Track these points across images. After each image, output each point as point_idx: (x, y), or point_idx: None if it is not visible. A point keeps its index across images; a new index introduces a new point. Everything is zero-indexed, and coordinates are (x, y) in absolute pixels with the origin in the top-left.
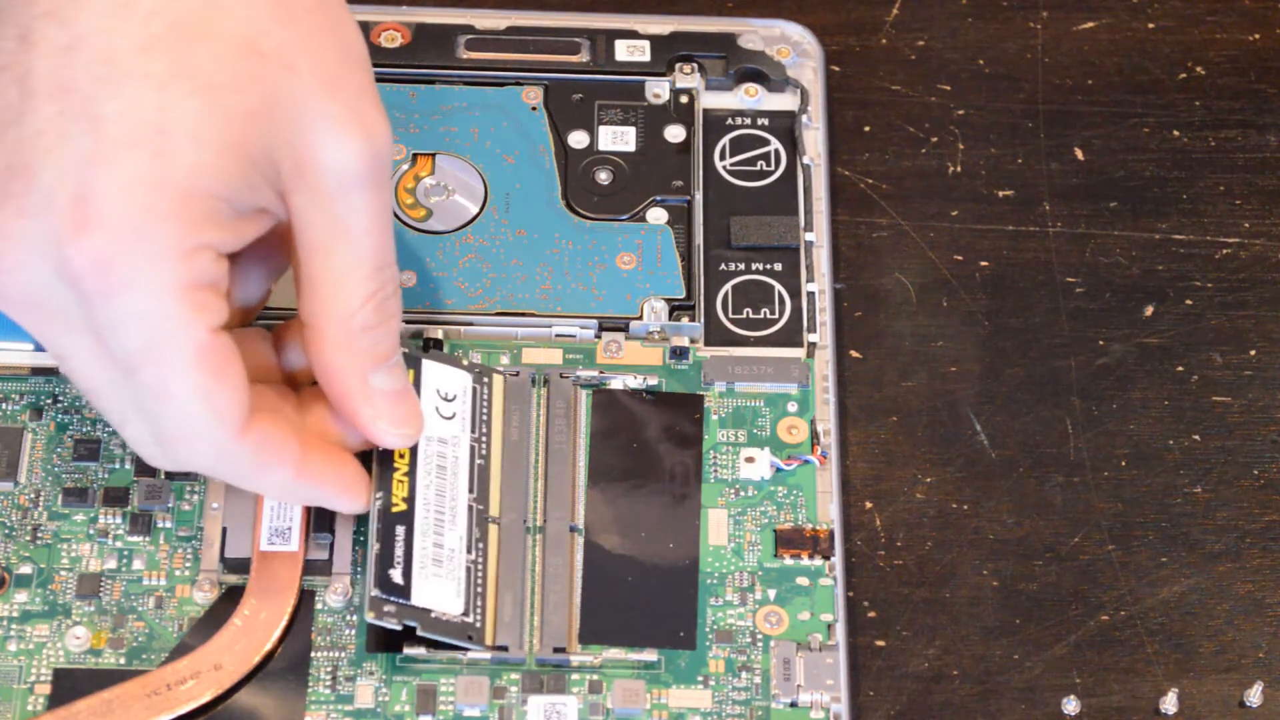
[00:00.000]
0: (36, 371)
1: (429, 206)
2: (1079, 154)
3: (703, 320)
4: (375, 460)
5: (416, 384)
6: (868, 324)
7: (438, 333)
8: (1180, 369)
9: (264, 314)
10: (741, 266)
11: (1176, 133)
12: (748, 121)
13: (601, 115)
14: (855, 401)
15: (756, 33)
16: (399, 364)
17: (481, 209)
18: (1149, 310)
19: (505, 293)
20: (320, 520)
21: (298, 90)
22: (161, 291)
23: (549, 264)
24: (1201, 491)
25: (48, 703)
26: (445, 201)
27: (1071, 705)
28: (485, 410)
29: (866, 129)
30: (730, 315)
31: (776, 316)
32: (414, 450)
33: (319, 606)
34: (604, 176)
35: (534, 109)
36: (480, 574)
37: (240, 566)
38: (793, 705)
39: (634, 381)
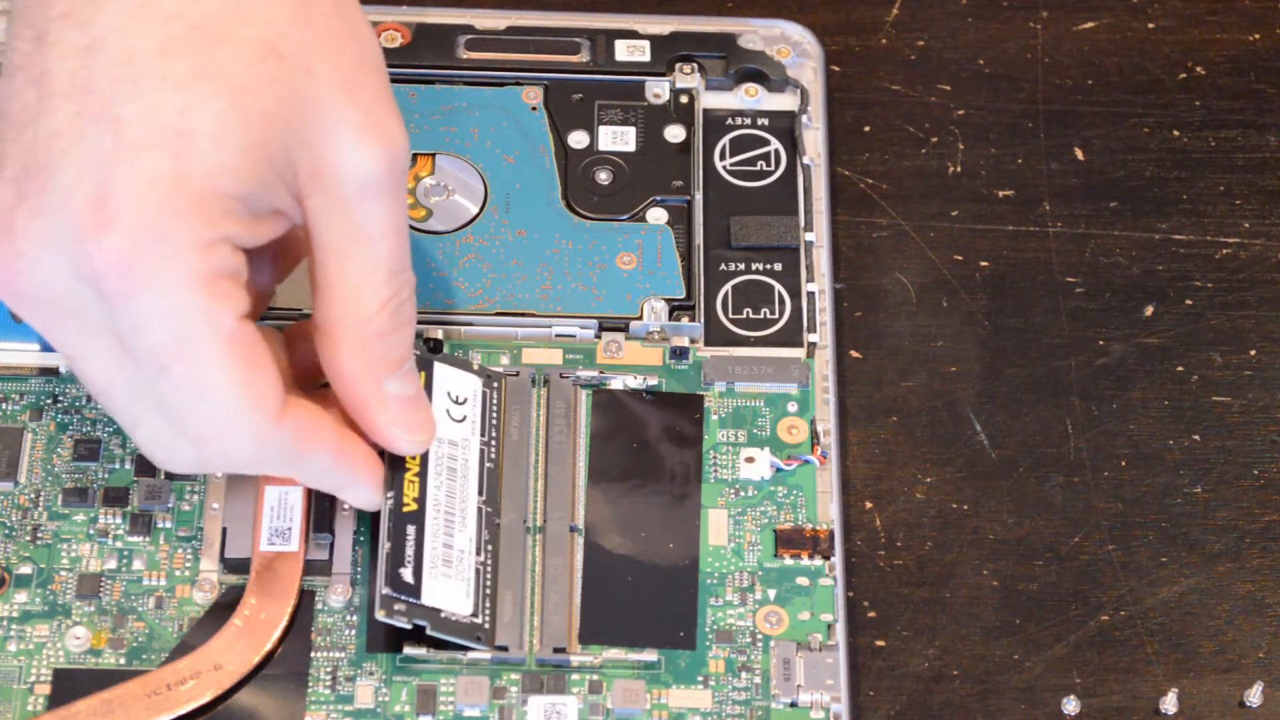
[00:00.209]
0: (38, 372)
1: (429, 206)
2: (1079, 154)
3: (703, 320)
4: (386, 461)
5: (428, 386)
6: (868, 324)
7: (438, 333)
8: (1180, 369)
9: (266, 314)
10: (741, 266)
11: (1176, 133)
12: (748, 121)
13: (601, 115)
14: (855, 401)
15: (756, 33)
16: (413, 370)
17: (481, 209)
18: (1149, 310)
19: (505, 293)
20: (320, 520)
21: (316, 94)
22: (184, 285)
23: (549, 264)
24: (1201, 491)
25: (48, 703)
26: (445, 201)
27: (1071, 705)
28: (495, 414)
29: (866, 129)
30: (730, 315)
31: (776, 316)
32: (425, 452)
33: (319, 606)
34: (604, 176)
35: (534, 109)
36: (489, 576)
37: (240, 566)
38: (793, 705)
39: (634, 382)
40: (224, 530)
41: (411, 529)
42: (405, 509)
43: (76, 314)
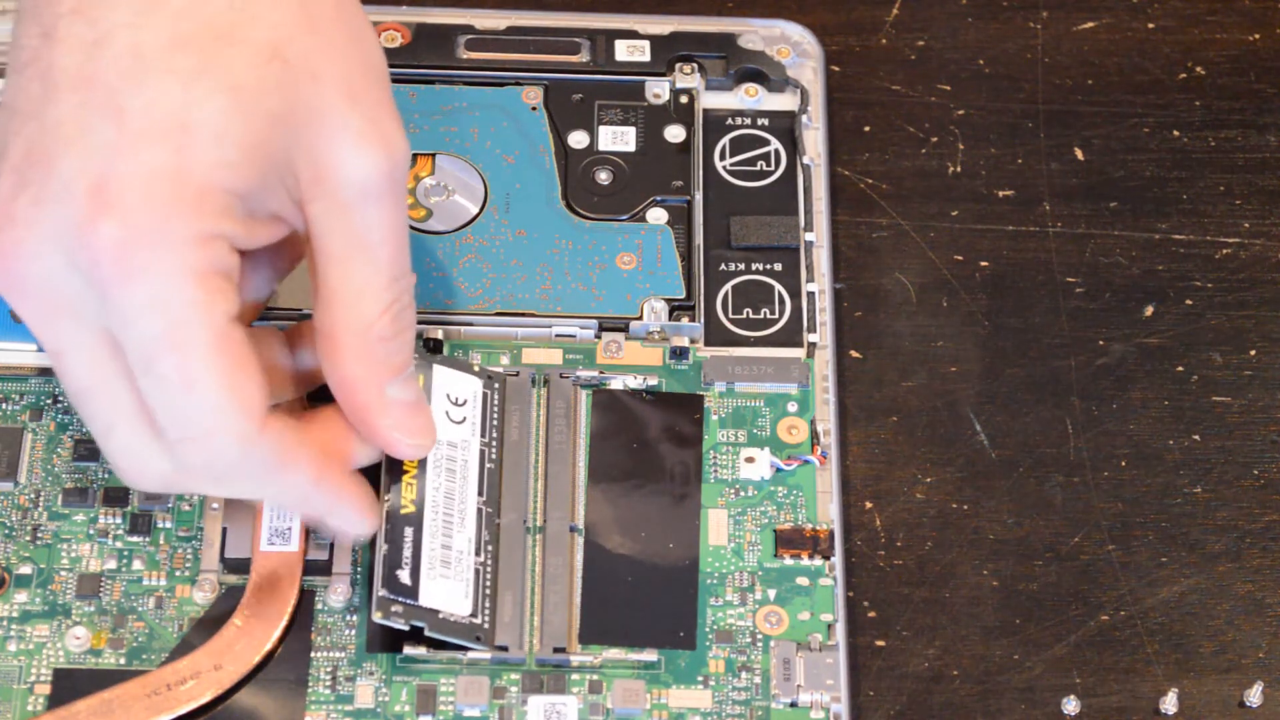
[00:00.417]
0: (38, 372)
1: (429, 206)
2: (1079, 154)
3: (703, 320)
4: (385, 462)
5: (427, 388)
6: (868, 324)
7: (438, 333)
8: (1180, 369)
9: (266, 314)
10: (741, 266)
11: (1176, 133)
12: (748, 121)
13: (601, 115)
14: (855, 401)
15: (756, 33)
16: (413, 375)
17: (481, 209)
18: (1149, 310)
19: (505, 293)
20: None
21: (320, 99)
22: (179, 276)
23: (549, 264)
24: (1201, 491)
25: (48, 703)
26: (445, 201)
27: (1071, 705)
28: (495, 415)
29: (866, 129)
30: (730, 315)
31: (776, 316)
32: None
33: (319, 606)
34: (604, 176)
35: (534, 109)
36: (489, 576)
37: (240, 566)
38: (793, 705)
39: (634, 382)
40: (224, 530)
41: (409, 530)
42: (403, 510)
43: (70, 304)
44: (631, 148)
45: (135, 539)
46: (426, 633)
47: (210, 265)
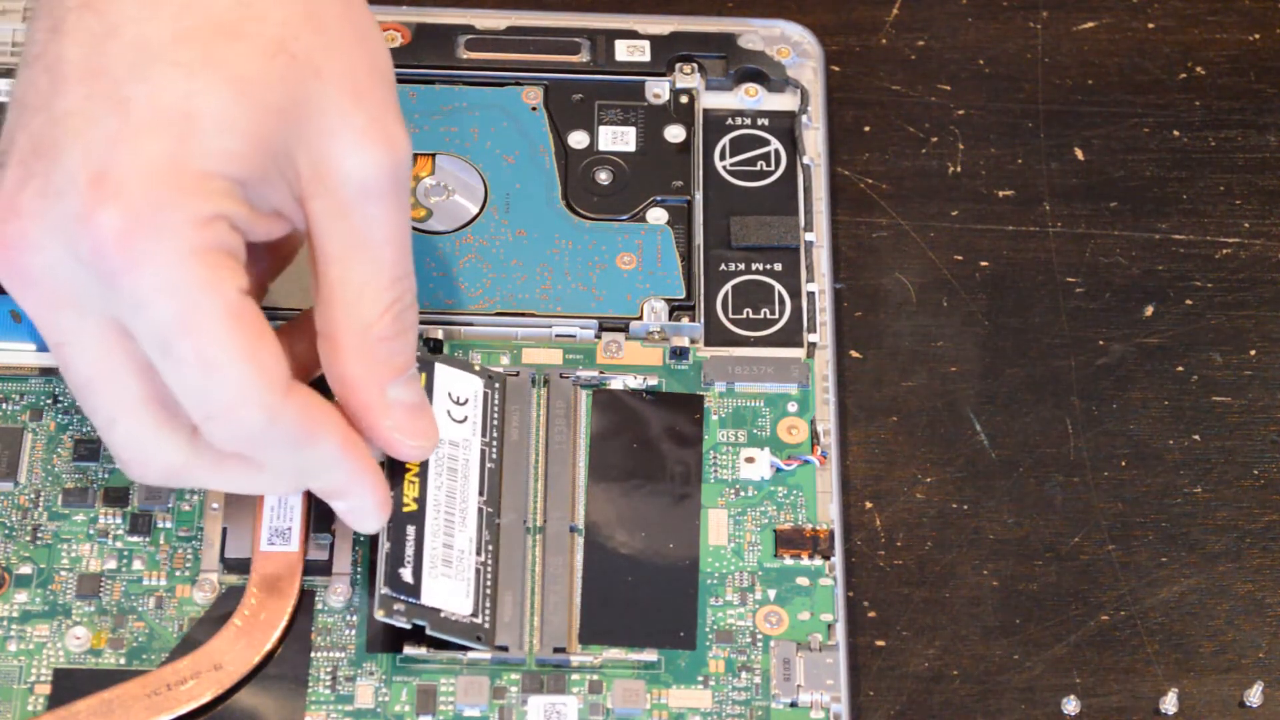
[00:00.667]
0: (38, 372)
1: (429, 206)
2: (1079, 154)
3: (703, 320)
4: (387, 461)
5: (428, 388)
6: (868, 324)
7: (438, 333)
8: (1180, 369)
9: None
10: (741, 266)
11: (1176, 133)
12: (748, 121)
13: (601, 115)
14: (855, 401)
15: (756, 33)
16: (415, 376)
17: (481, 209)
18: (1149, 310)
19: (505, 293)
20: (320, 520)
21: (323, 96)
22: (185, 258)
23: (549, 264)
24: (1201, 491)
25: (48, 703)
26: (445, 201)
27: (1071, 705)
28: (495, 415)
29: (866, 129)
30: (730, 315)
31: (776, 316)
32: None
33: (319, 606)
34: (604, 176)
35: (534, 109)
36: (490, 576)
37: (240, 566)
38: (793, 705)
39: (634, 382)
40: (224, 530)
41: (411, 529)
42: (405, 509)
43: (74, 295)
44: (631, 148)
45: (135, 539)
46: (428, 632)
47: (214, 244)
